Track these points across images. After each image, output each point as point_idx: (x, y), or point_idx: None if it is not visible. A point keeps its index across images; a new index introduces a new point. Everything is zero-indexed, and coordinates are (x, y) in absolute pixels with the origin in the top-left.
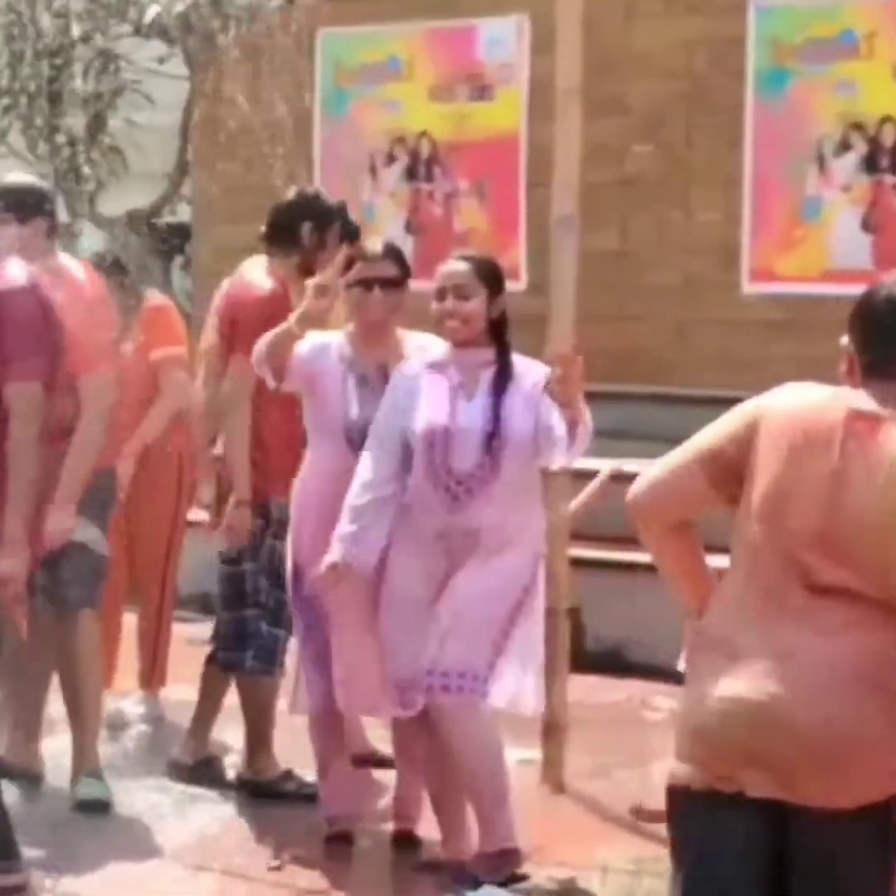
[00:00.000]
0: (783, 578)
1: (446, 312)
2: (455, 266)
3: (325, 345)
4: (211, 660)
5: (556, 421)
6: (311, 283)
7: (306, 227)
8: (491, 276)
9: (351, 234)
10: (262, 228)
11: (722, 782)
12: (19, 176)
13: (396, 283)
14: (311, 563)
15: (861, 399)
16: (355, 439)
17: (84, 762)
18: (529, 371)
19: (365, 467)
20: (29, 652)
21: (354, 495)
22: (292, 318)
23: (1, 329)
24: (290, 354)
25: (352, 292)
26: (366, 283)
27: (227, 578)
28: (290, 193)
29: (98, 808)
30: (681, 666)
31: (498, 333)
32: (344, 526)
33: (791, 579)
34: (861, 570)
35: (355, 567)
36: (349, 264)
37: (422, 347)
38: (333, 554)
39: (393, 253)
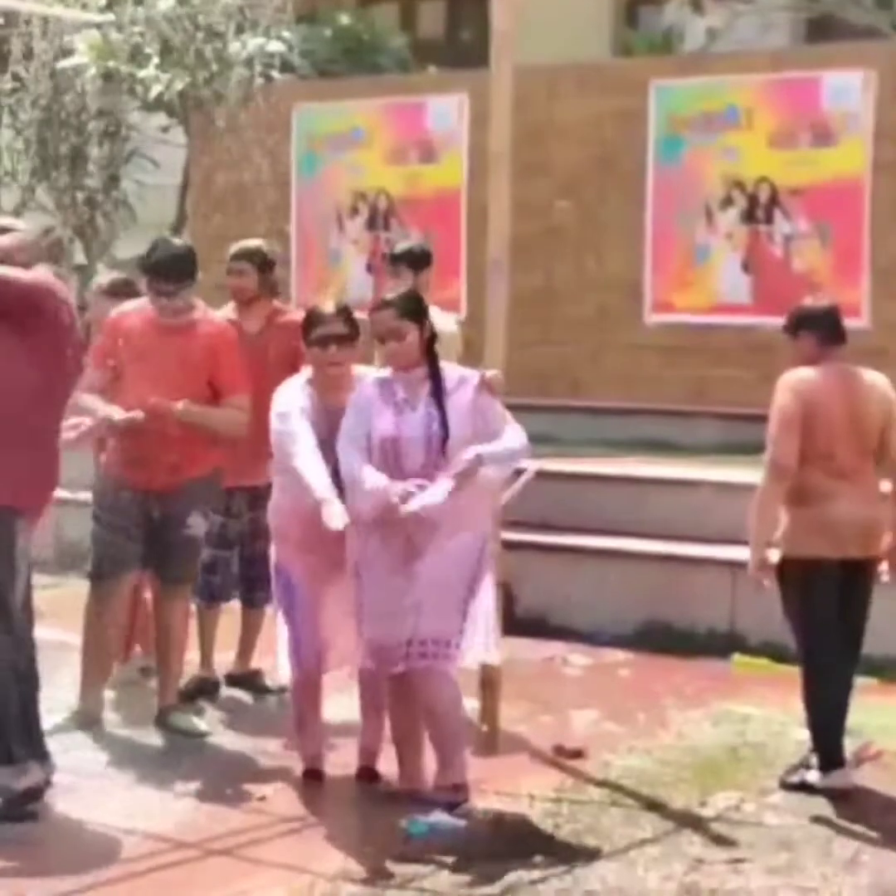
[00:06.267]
0: (838, 460)
1: (388, 354)
2: (385, 314)
3: (287, 412)
4: None
5: (499, 425)
6: None
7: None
8: (412, 309)
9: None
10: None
11: (837, 552)
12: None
13: (348, 339)
14: (294, 561)
15: (835, 367)
16: (334, 478)
17: (167, 697)
18: (463, 383)
19: (351, 453)
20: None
21: (362, 462)
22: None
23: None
24: None
25: (311, 350)
26: (322, 342)
27: None
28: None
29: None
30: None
31: (429, 350)
32: (375, 477)
33: (843, 460)
34: (869, 443)
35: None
36: (307, 324)
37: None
38: (392, 492)
39: (343, 312)
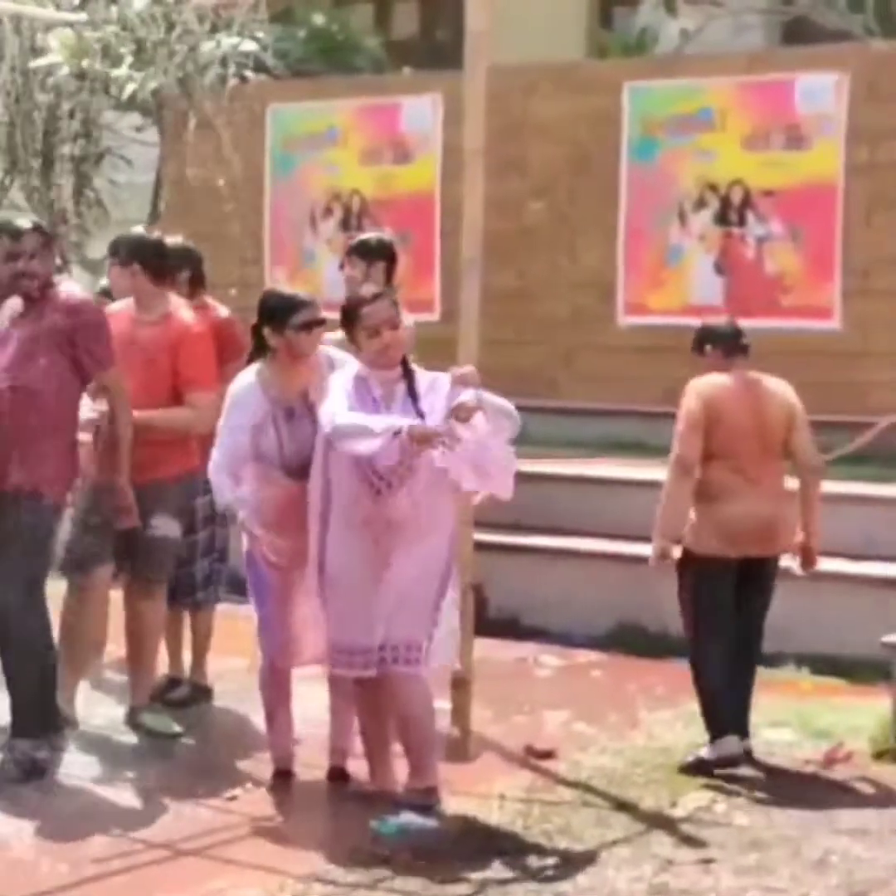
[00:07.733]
0: (741, 459)
1: (385, 344)
2: (381, 304)
3: (246, 402)
4: None
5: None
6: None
7: (184, 275)
8: (398, 303)
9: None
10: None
11: (737, 552)
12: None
13: (322, 323)
14: (267, 552)
15: (739, 375)
16: (292, 467)
17: (139, 697)
18: (435, 386)
19: (342, 412)
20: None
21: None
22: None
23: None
24: None
25: (288, 334)
26: (307, 326)
27: None
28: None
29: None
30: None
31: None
32: (387, 420)
33: (746, 458)
34: (772, 444)
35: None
36: (281, 310)
37: (334, 359)
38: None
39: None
